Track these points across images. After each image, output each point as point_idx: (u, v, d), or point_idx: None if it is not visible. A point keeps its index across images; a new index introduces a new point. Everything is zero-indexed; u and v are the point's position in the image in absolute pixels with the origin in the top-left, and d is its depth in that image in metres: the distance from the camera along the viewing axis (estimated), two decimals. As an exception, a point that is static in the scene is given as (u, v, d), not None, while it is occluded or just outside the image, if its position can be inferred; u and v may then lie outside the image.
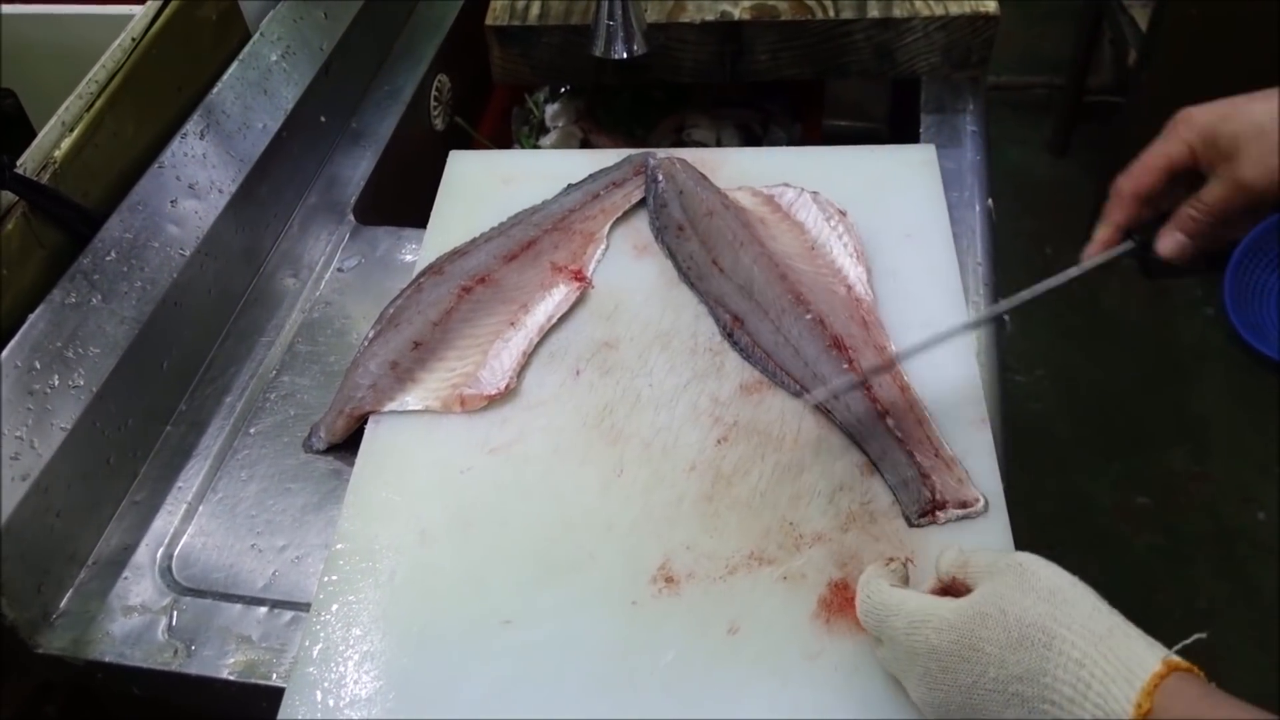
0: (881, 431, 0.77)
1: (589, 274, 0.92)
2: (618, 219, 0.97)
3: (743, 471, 0.76)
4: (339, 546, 0.75)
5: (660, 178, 0.97)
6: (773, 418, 0.80)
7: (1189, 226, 0.68)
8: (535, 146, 1.31)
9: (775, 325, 0.84)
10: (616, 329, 0.88)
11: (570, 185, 1.01)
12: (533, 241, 0.93)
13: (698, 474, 0.76)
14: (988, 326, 0.87)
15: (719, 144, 1.26)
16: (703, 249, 0.91)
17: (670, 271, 0.92)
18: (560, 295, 0.89)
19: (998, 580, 0.48)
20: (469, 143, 1.30)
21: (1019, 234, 2.30)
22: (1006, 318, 0.84)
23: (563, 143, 1.30)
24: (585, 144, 1.29)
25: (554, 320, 0.88)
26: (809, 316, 0.83)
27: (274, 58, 1.04)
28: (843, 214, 0.92)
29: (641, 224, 0.97)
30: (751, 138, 1.29)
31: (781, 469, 0.76)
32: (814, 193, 0.95)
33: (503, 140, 1.33)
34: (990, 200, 1.00)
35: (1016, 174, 2.53)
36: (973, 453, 0.76)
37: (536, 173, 1.03)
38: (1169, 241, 0.69)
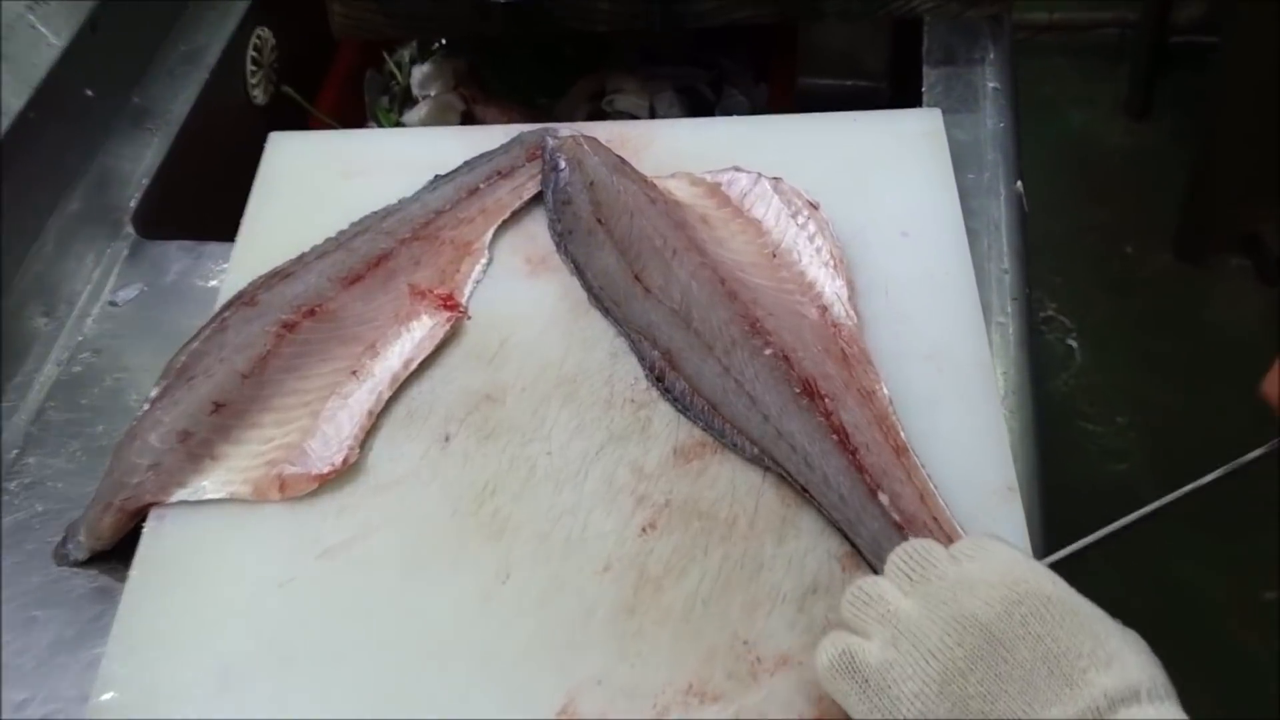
0: (871, 509, 0.78)
1: (463, 300, 0.93)
2: (504, 223, 0.98)
3: (677, 571, 0.76)
4: (105, 698, 0.74)
5: (562, 164, 0.98)
6: (719, 494, 0.81)
7: None
8: (399, 124, 1.32)
9: (722, 365, 0.85)
10: (502, 376, 0.88)
11: (439, 177, 1.02)
12: (385, 256, 0.94)
13: (614, 576, 0.75)
14: (1015, 341, 0.91)
15: (654, 115, 1.28)
16: (622, 261, 0.92)
17: (577, 293, 0.93)
18: (422, 331, 0.90)
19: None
20: (303, 121, 1.30)
21: (1088, 228, 2.31)
22: (1043, 326, 0.86)
23: (438, 117, 1.31)
24: (469, 119, 1.30)
25: (413, 366, 0.88)
26: (769, 351, 0.85)
27: (17, 9, 1.04)
28: (814, 207, 0.94)
29: (538, 228, 0.99)
30: (699, 105, 1.31)
31: (732, 566, 0.77)
32: (774, 179, 0.97)
33: (352, 116, 1.34)
34: (1020, 184, 1.03)
35: (1082, 146, 2.57)
36: (997, 532, 0.77)
37: (392, 160, 1.04)
38: None
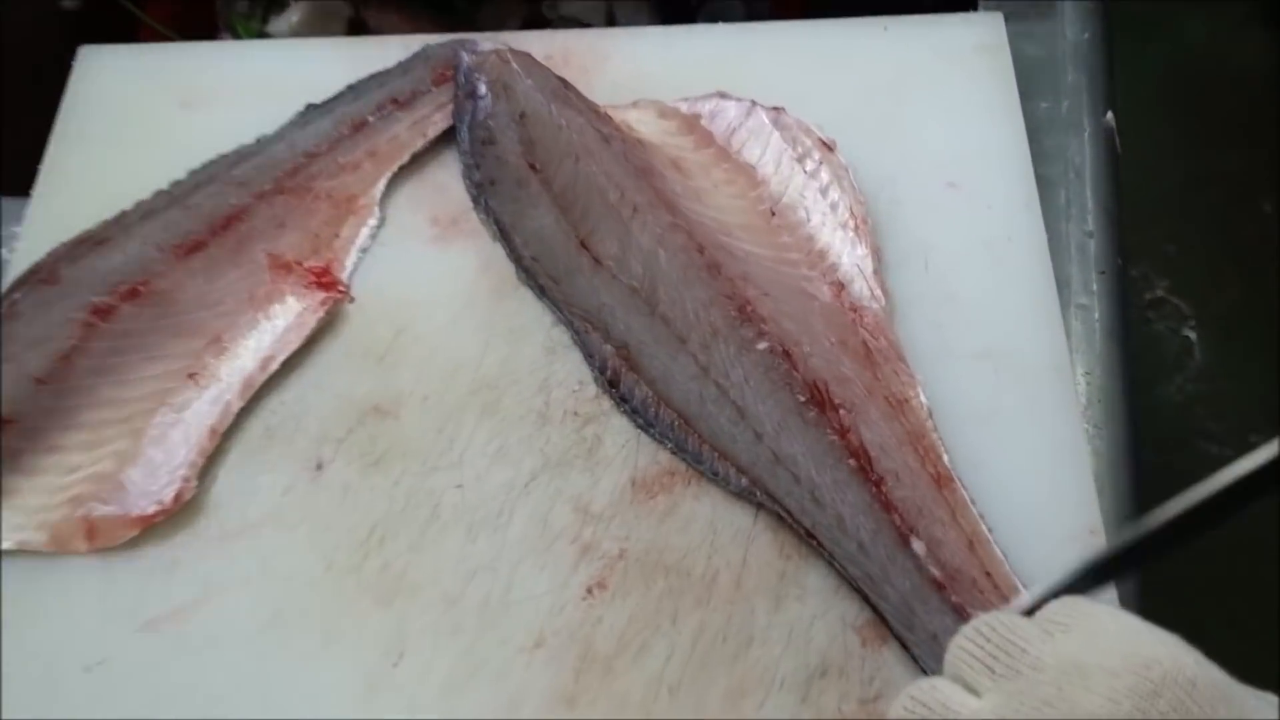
0: (902, 561, 0.78)
1: (344, 276, 0.92)
2: (401, 170, 0.97)
3: (635, 647, 0.76)
4: None
5: (483, 89, 0.98)
6: (693, 541, 0.81)
7: None
8: (263, 34, 1.31)
9: (699, 363, 0.85)
10: (396, 380, 0.87)
11: (312, 107, 1.01)
12: (236, 216, 0.93)
13: (549, 655, 0.76)
14: (1103, 331, 0.91)
15: (612, 23, 1.27)
16: (563, 222, 0.92)
17: (502, 265, 0.93)
18: (287, 319, 0.89)
19: None
20: (130, 31, 1.28)
21: (1210, 178, 2.31)
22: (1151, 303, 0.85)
23: (315, 26, 1.29)
24: (357, 28, 1.29)
25: (274, 366, 0.88)
26: (763, 345, 0.85)
27: None
28: (828, 148, 0.94)
29: (449, 178, 0.98)
30: (676, 10, 1.30)
31: (710, 640, 0.77)
32: (774, 109, 0.97)
33: (197, 24, 1.32)
34: (1112, 117, 1.02)
35: (1201, 67, 2.57)
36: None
37: (250, 84, 1.03)
38: None
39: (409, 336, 0.90)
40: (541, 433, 0.85)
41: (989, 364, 0.86)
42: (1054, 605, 0.64)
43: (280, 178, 0.94)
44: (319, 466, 0.84)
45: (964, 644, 0.63)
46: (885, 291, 0.88)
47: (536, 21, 1.27)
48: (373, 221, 0.94)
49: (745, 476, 0.81)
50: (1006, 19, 1.02)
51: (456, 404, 0.87)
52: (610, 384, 0.86)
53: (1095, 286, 0.93)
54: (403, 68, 1.00)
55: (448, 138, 0.98)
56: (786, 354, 0.84)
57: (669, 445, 0.84)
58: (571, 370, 0.88)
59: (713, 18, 1.26)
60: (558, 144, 0.93)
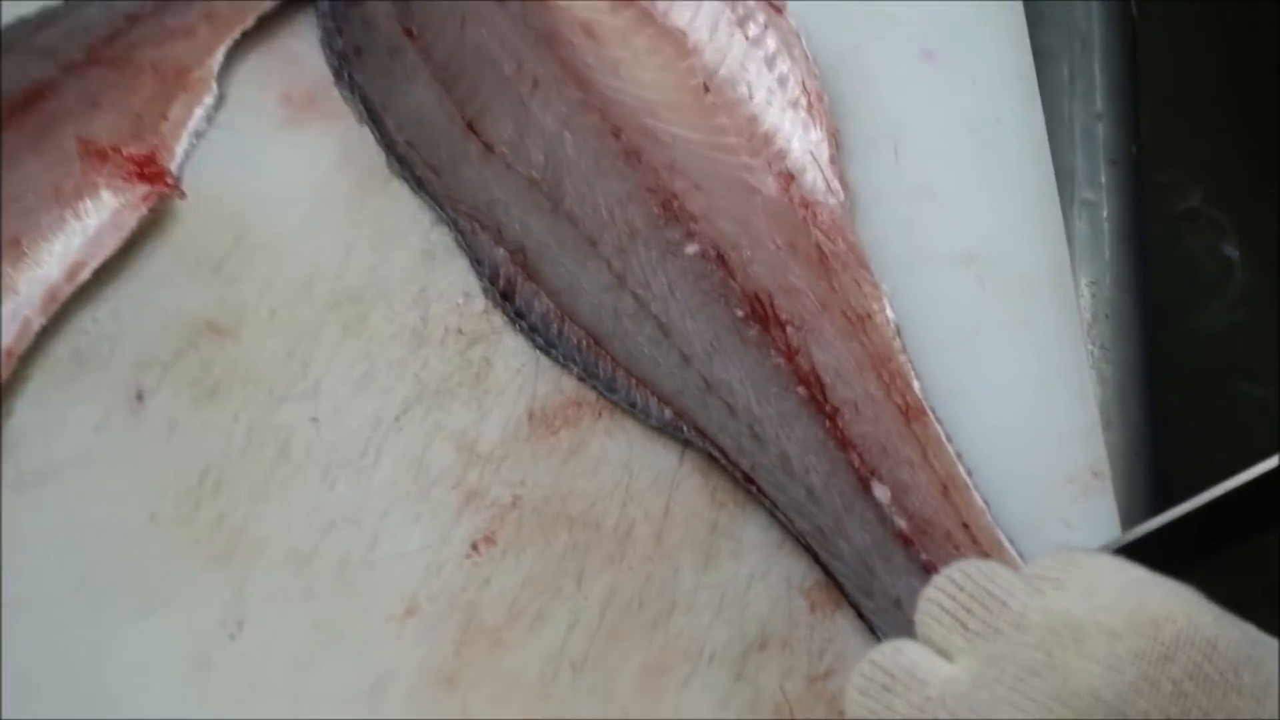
0: (860, 510, 0.79)
1: (173, 166, 0.92)
2: (245, 36, 0.97)
3: (531, 615, 0.76)
4: None
5: None
6: (604, 486, 0.82)
7: None
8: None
9: (613, 270, 0.86)
10: (237, 292, 0.87)
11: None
12: (38, 93, 0.94)
13: (424, 626, 0.76)
14: (1114, 234, 0.93)
15: None
16: (446, 100, 0.93)
17: (370, 153, 0.93)
18: (101, 218, 0.89)
19: None
20: None
21: (1254, 53, 2.30)
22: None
23: None
24: None
25: (85, 275, 0.88)
26: (693, 248, 0.86)
27: None
28: (776, 9, 0.95)
29: (304, 47, 0.98)
30: None
31: (624, 606, 0.78)
32: None
33: None
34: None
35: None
36: (1077, 540, 0.78)
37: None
38: None
39: (253, 240, 0.90)
40: (417, 355, 0.86)
41: (972, 272, 0.87)
42: (1045, 557, 0.64)
43: (94, 45, 0.94)
44: (139, 397, 0.85)
45: (934, 595, 0.64)
46: (845, 184, 0.89)
47: None
48: (209, 100, 0.94)
49: (669, 408, 0.82)
50: None
51: (311, 321, 0.87)
52: (503, 296, 0.86)
53: (1104, 179, 0.94)
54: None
55: (303, -1, 0.96)
56: (721, 259, 0.85)
57: (575, 370, 0.84)
58: (455, 280, 0.88)
59: None
60: (439, 3, 0.93)
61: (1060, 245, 0.87)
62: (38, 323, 0.86)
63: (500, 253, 0.87)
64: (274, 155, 0.93)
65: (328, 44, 0.96)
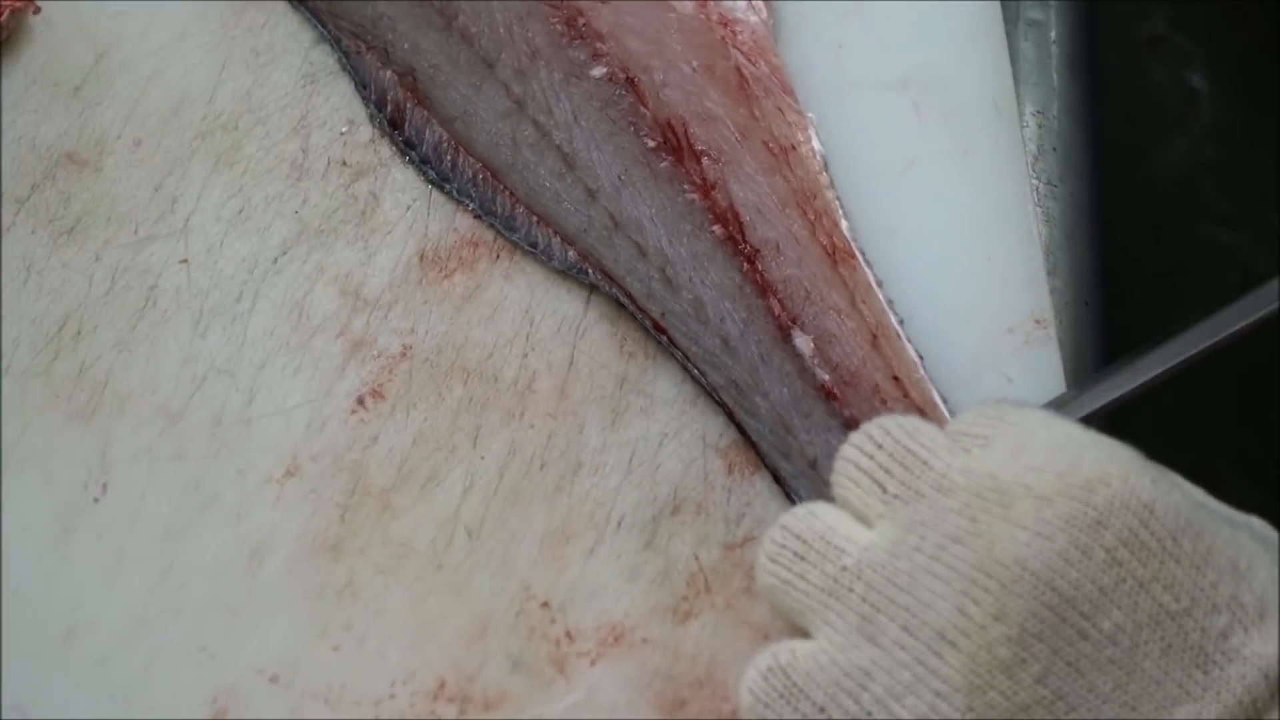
0: (782, 364, 0.77)
1: (28, -25, 0.87)
2: None
3: (423, 476, 0.76)
4: None
5: None
6: (503, 335, 0.80)
7: None
8: None
9: (512, 95, 0.83)
10: (98, 118, 0.86)
11: None
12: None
13: (305, 489, 0.75)
14: (1062, 57, 0.90)
15: None
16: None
17: (244, -40, 0.89)
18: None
19: None
20: None
21: None
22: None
23: None
24: None
25: (-72, 102, 0.83)
26: (599, 71, 0.83)
27: None
28: None
29: None
30: None
31: (524, 466, 0.76)
32: None
33: None
34: None
35: None
36: (1019, 394, 0.76)
37: None
38: None
39: (114, 60, 0.87)
40: (297, 190, 0.84)
41: (906, 98, 0.85)
42: (970, 412, 0.63)
43: None
44: None
45: (851, 454, 0.63)
46: (770, 15, 0.86)
47: None
48: (71, -103, 0.88)
49: (573, 248, 0.80)
50: None
51: (180, 151, 0.85)
52: (391, 124, 0.84)
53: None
54: None
55: None
56: (630, 82, 0.82)
57: (470, 206, 0.82)
58: (338, 106, 0.86)
59: None
60: None
61: (1004, 69, 0.85)
62: (-128, 151, 0.82)
63: (387, 75, 0.85)
64: (140, -35, 0.88)
65: None
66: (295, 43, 0.88)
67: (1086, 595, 0.56)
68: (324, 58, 0.87)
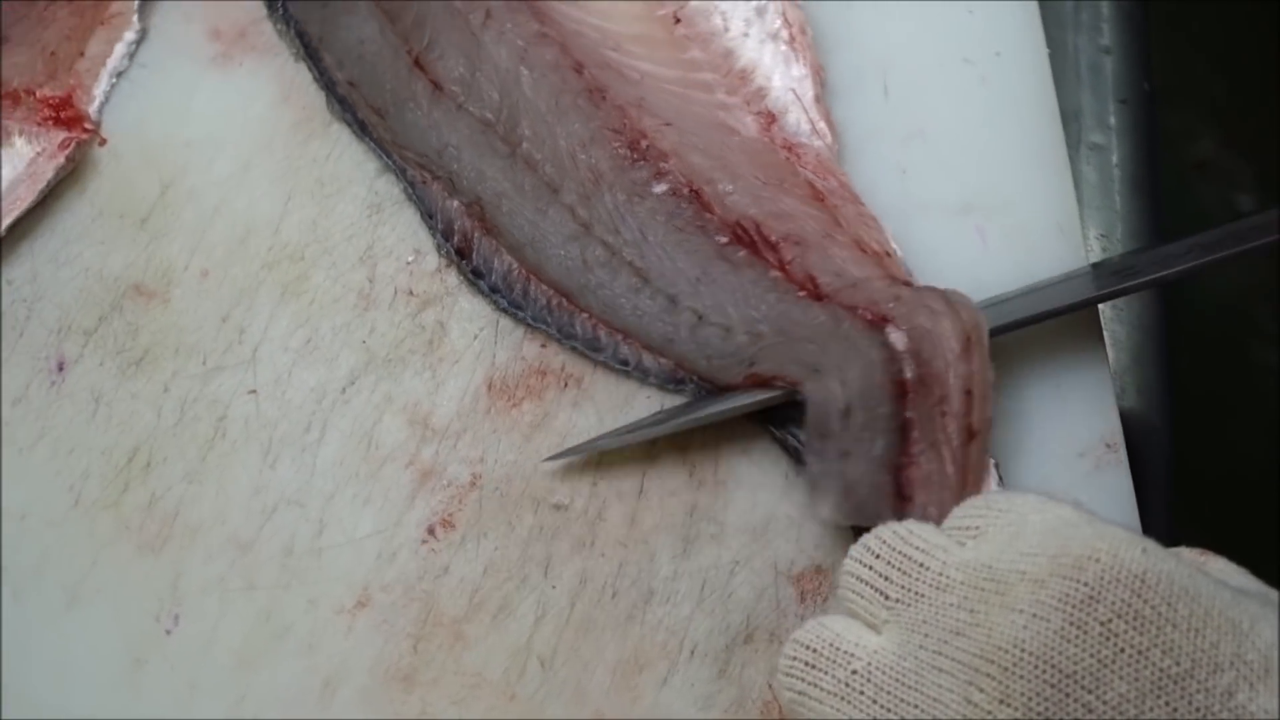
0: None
1: (92, 109, 0.91)
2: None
3: (494, 606, 0.77)
4: None
5: None
6: (572, 462, 0.81)
7: None
8: None
9: (578, 218, 0.85)
10: (165, 249, 0.87)
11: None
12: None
13: (376, 618, 0.77)
14: (1125, 180, 0.92)
15: None
16: (389, 33, 0.91)
17: (306, 94, 0.92)
18: (14, 168, 0.88)
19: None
20: None
21: None
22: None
23: None
24: None
25: (0, 232, 0.85)
26: (662, 187, 0.84)
27: None
28: (758, -69, 0.93)
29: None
30: None
31: (596, 595, 0.78)
32: None
33: None
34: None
35: None
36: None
37: None
38: None
39: (181, 191, 0.88)
40: (364, 320, 0.85)
41: (970, 222, 0.86)
42: (964, 505, 0.66)
43: (2, -24, 0.91)
44: (60, 367, 0.83)
45: (852, 567, 0.66)
46: (831, 125, 0.88)
47: None
48: (130, 35, 0.92)
49: (664, 358, 0.82)
50: None
51: (247, 282, 0.86)
52: (459, 253, 0.85)
53: (1114, 120, 0.93)
54: None
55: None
56: (695, 193, 0.83)
57: (549, 331, 0.83)
58: (404, 235, 0.87)
59: None
60: None
61: (1067, 193, 0.86)
62: (-55, 286, 0.83)
63: (454, 205, 0.86)
64: (203, 96, 0.92)
65: None
66: (360, 173, 0.89)
67: (1087, 669, 0.58)
68: (389, 187, 0.88)
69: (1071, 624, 0.59)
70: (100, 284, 0.86)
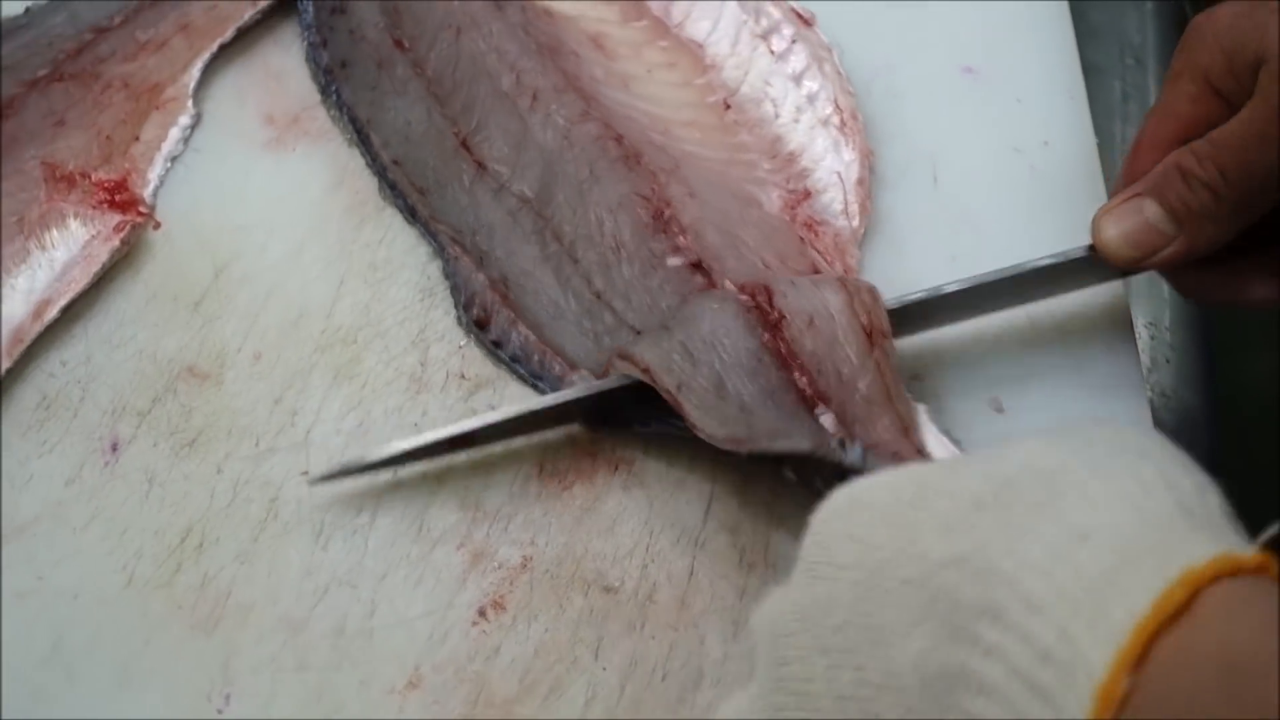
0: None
1: (147, 193, 0.92)
2: (223, 49, 0.97)
3: (545, 687, 0.77)
4: None
5: None
6: (623, 545, 0.82)
7: (1175, 192, 0.78)
8: None
9: (594, 288, 0.86)
10: (219, 332, 0.88)
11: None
12: (-3, 112, 0.93)
13: (428, 698, 0.76)
14: (1176, 303, 0.92)
15: None
16: (438, 115, 0.93)
17: (358, 178, 0.94)
18: (70, 250, 0.89)
19: None
20: None
21: None
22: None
23: None
24: None
25: (53, 315, 0.88)
26: (675, 261, 0.86)
27: None
28: (805, 21, 0.95)
29: (288, 61, 0.99)
30: None
31: (646, 677, 0.78)
32: None
33: None
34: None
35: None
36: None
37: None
38: (1122, 224, 0.80)
39: (235, 274, 0.90)
40: (416, 403, 0.86)
41: (1021, 310, 0.86)
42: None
43: (59, 60, 0.94)
44: (114, 447, 0.84)
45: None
46: (865, 209, 0.89)
47: None
48: (185, 120, 0.94)
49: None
50: None
51: (300, 364, 0.87)
52: (478, 324, 0.87)
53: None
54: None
55: (286, 7, 0.98)
56: (706, 271, 0.84)
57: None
58: (457, 319, 0.88)
59: None
60: (432, 12, 0.94)
61: (1115, 283, 0.87)
62: (3, 365, 0.86)
63: (480, 278, 0.88)
64: (256, 180, 0.93)
65: (313, 58, 0.96)
66: (413, 257, 0.90)
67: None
68: (423, 258, 0.90)
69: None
70: (154, 366, 0.87)
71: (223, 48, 0.96)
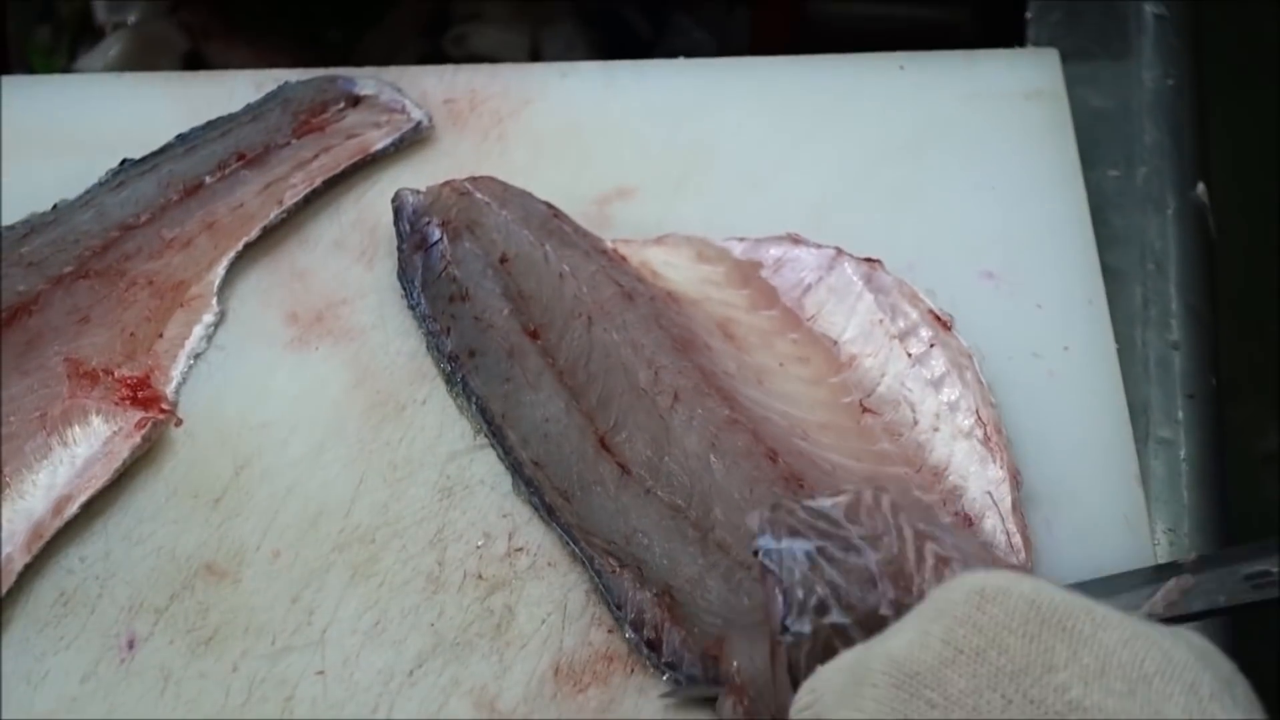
0: None
1: (169, 391, 0.94)
2: (248, 247, 0.99)
3: None
4: None
5: (435, 233, 0.98)
6: None
7: None
8: (69, 69, 1.33)
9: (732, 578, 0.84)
10: (238, 529, 0.89)
11: (129, 164, 1.02)
12: (25, 307, 0.95)
13: None
14: (1193, 473, 0.93)
15: (536, 57, 1.30)
16: (575, 411, 0.92)
17: (379, 377, 0.95)
18: (92, 447, 0.90)
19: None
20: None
21: None
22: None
23: (140, 59, 1.31)
24: (196, 62, 1.32)
25: (73, 510, 0.88)
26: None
27: None
28: (944, 324, 0.93)
29: (311, 261, 1.00)
30: (623, 44, 1.33)
31: None
32: (869, 262, 0.95)
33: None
34: (1203, 188, 1.05)
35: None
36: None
37: (50, 132, 1.05)
38: None
39: (255, 472, 0.91)
40: (433, 603, 0.86)
41: (1039, 514, 0.87)
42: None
43: (84, 257, 0.95)
44: (130, 644, 0.85)
45: None
46: (1027, 539, 0.86)
47: (435, 57, 1.28)
48: (209, 318, 0.96)
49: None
50: (1064, 58, 1.04)
51: (317, 563, 0.87)
52: (649, 645, 0.84)
53: (1181, 415, 0.94)
54: (252, 112, 1.02)
55: (311, 205, 1.00)
56: None
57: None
58: (475, 520, 0.89)
59: (673, 53, 1.28)
60: (561, 299, 0.93)
61: (1134, 487, 0.88)
62: (21, 561, 0.86)
63: (644, 595, 0.85)
64: (278, 379, 0.95)
65: (434, 345, 0.96)
66: (432, 456, 0.91)
67: (929, 669, 0.61)
68: (460, 472, 0.90)
69: (921, 633, 0.62)
70: (172, 563, 0.88)
71: (247, 246, 0.97)
